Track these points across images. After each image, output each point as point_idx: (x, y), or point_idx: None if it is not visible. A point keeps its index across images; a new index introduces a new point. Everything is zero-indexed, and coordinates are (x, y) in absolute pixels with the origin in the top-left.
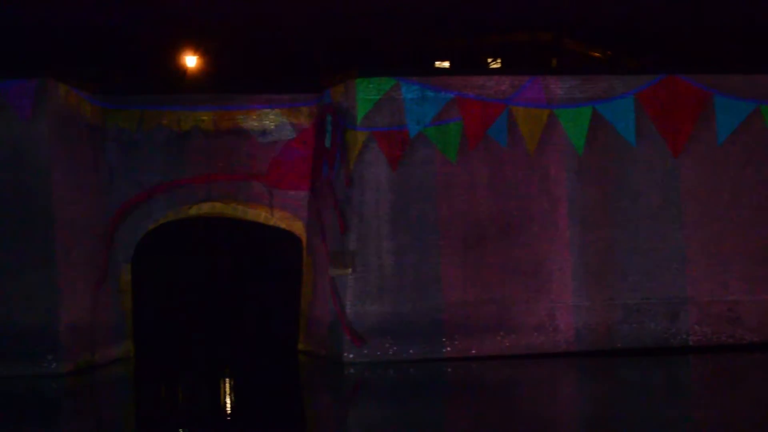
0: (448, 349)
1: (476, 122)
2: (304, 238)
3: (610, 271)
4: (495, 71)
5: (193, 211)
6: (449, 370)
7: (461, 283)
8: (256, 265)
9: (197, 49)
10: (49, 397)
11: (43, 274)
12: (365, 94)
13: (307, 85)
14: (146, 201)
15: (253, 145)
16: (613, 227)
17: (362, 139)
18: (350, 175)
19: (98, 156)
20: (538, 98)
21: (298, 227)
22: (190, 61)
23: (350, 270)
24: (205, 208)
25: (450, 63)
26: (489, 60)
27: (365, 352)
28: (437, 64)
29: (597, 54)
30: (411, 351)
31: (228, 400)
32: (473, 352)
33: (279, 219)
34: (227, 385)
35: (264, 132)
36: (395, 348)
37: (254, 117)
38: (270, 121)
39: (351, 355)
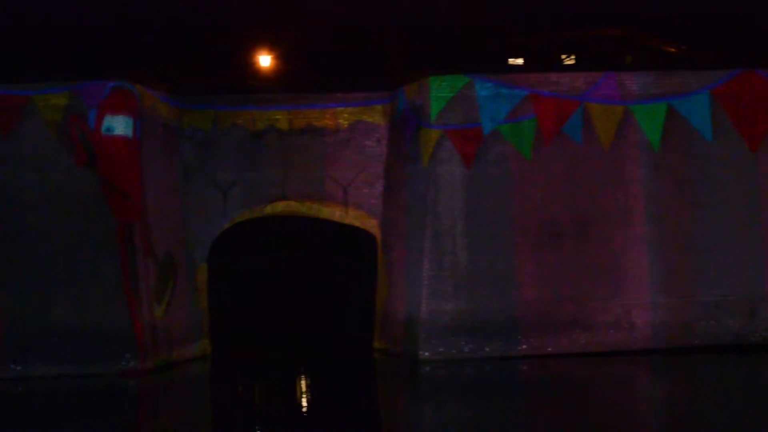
0: (524, 346)
1: (551, 119)
2: (378, 236)
3: (687, 267)
4: (569, 68)
5: (268, 209)
6: (525, 367)
7: (537, 281)
8: (331, 263)
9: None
10: (128, 396)
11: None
12: (439, 92)
13: (381, 84)
14: (222, 200)
15: (327, 143)
16: (690, 223)
17: (436, 137)
18: (424, 172)
19: (174, 156)
20: (613, 94)
21: (372, 225)
22: (264, 60)
23: (425, 268)
24: (280, 206)
25: (524, 60)
26: (563, 56)
27: (441, 350)
28: (511, 61)
29: (672, 49)
30: (487, 349)
31: (304, 398)
32: (549, 349)
33: (353, 217)
34: (303, 383)
35: (338, 130)
36: (471, 346)
37: (328, 116)
38: (344, 119)
39: (427, 353)
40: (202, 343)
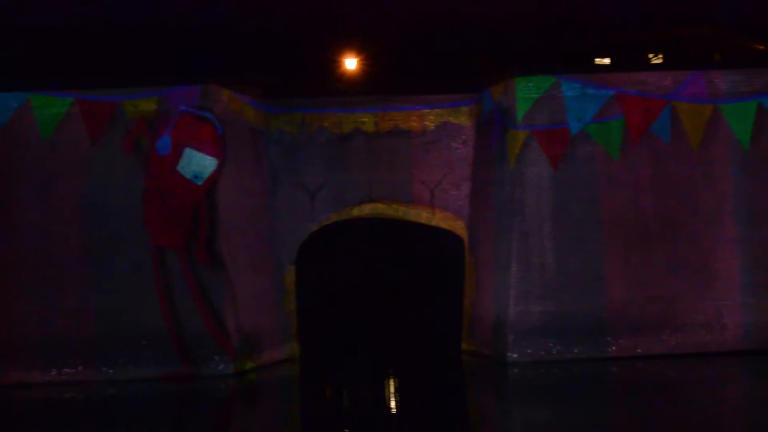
0: (613, 348)
1: (638, 118)
2: (465, 237)
3: None
4: (656, 67)
5: (356, 212)
6: (614, 369)
7: (625, 282)
8: (419, 265)
9: (357, 51)
10: (218, 398)
11: (213, 277)
12: (525, 93)
13: (467, 85)
14: (309, 203)
15: (413, 145)
16: None
17: (522, 138)
18: (511, 174)
19: (261, 159)
20: (702, 93)
21: (459, 227)
22: (350, 63)
23: (513, 269)
24: (367, 209)
25: (610, 60)
26: (650, 56)
27: (529, 351)
28: (597, 61)
29: (760, 47)
30: (575, 350)
31: (392, 401)
32: (638, 351)
33: (440, 219)
34: (391, 385)
35: (424, 132)
36: (559, 347)
37: (414, 118)
38: (430, 121)
39: (515, 355)
40: (291, 345)
